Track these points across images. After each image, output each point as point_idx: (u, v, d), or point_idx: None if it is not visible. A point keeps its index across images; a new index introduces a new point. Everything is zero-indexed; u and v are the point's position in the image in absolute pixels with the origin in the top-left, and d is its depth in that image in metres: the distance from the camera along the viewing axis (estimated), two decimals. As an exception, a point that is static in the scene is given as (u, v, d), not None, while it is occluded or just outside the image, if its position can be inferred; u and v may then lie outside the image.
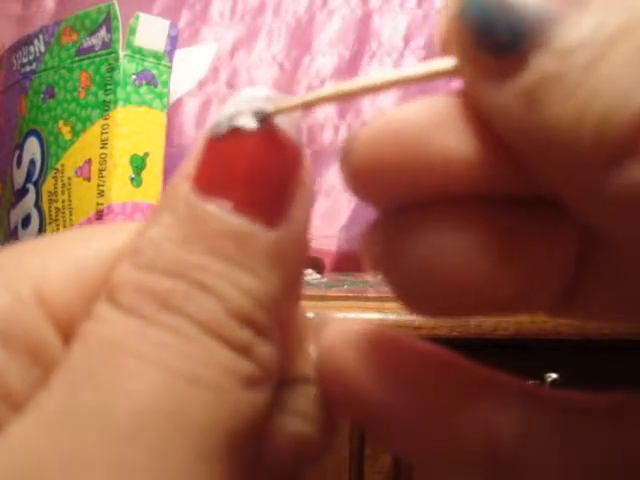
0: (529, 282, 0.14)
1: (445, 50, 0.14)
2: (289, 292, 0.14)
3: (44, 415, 0.12)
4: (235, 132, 0.14)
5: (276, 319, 0.14)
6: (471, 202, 0.13)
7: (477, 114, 0.13)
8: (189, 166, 0.14)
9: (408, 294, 0.14)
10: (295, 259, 0.14)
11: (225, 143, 0.14)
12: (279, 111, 0.14)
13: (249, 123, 0.14)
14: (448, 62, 0.14)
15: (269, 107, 0.14)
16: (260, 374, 0.13)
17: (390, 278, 0.14)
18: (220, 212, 0.13)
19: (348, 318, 0.17)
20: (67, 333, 0.13)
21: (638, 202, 0.11)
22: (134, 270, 0.13)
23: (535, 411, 0.15)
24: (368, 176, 0.14)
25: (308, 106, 0.14)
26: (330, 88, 0.14)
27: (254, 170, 0.13)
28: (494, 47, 0.12)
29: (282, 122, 0.14)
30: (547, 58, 0.11)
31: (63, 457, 0.12)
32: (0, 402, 0.13)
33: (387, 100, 0.94)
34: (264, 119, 0.14)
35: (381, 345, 0.16)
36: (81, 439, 0.12)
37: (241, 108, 0.14)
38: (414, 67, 0.14)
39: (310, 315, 0.16)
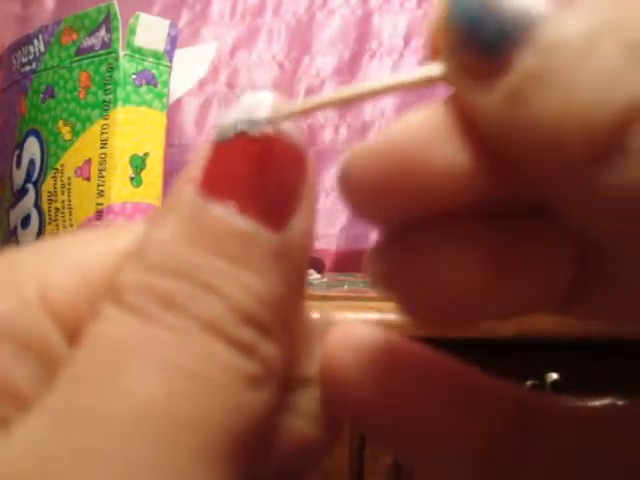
0: (531, 292, 0.14)
1: (435, 55, 0.14)
2: (294, 292, 0.14)
3: (50, 414, 0.12)
4: (240, 136, 0.14)
5: (281, 319, 0.14)
6: (470, 218, 0.13)
7: (469, 122, 0.13)
8: (194, 169, 0.14)
9: (414, 310, 0.15)
10: (300, 260, 0.14)
11: (230, 147, 0.14)
12: (280, 117, 0.14)
13: (254, 127, 0.14)
14: (440, 68, 0.14)
15: (272, 113, 0.14)
16: (263, 373, 0.13)
17: (396, 296, 0.14)
18: (225, 214, 0.13)
19: (352, 321, 0.17)
20: (72, 334, 0.14)
21: (627, 200, 0.11)
22: (139, 271, 0.13)
23: (534, 417, 0.15)
24: (366, 195, 0.14)
25: (306, 112, 0.15)
26: (328, 95, 0.15)
27: (259, 174, 0.14)
28: (479, 47, 0.12)
29: (287, 125, 0.14)
30: (532, 56, 0.11)
31: (71, 454, 0.12)
32: (7, 402, 0.13)
33: (388, 102, 0.94)
34: (269, 123, 0.14)
35: (384, 349, 0.16)
36: (87, 437, 0.12)
37: (246, 112, 0.14)
38: (407, 73, 0.14)
39: (314, 316, 0.17)
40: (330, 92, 0.15)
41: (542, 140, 0.11)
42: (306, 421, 0.15)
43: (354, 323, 0.16)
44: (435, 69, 0.14)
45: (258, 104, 0.14)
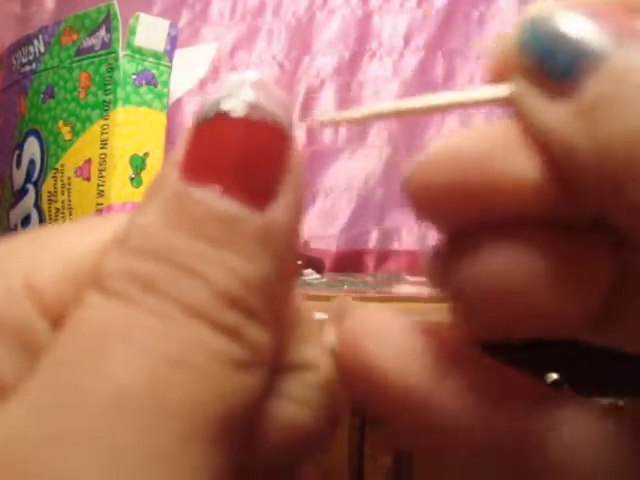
0: (578, 299, 0.14)
1: (498, 76, 0.14)
2: (281, 275, 0.14)
3: (31, 399, 0.12)
4: (222, 116, 0.14)
5: (268, 302, 0.13)
6: (531, 226, 0.14)
7: (535, 139, 0.14)
8: (177, 153, 0.14)
9: (469, 313, 0.15)
10: (286, 242, 0.14)
11: (212, 128, 0.14)
12: (337, 122, 0.14)
13: (235, 107, 0.14)
14: (505, 89, 0.14)
15: (256, 91, 0.14)
16: (251, 357, 0.13)
17: (452, 298, 0.15)
18: (208, 197, 0.13)
19: (370, 306, 0.16)
20: (57, 323, 0.13)
21: None
22: (120, 255, 0.13)
23: (571, 415, 0.15)
24: (432, 202, 0.14)
25: (364, 121, 0.14)
26: (389, 105, 0.15)
27: (241, 154, 0.13)
28: (553, 73, 0.13)
29: (269, 104, 0.14)
30: (602, 82, 0.12)
31: (53, 440, 0.12)
32: None
33: (387, 100, 0.94)
34: (251, 103, 0.14)
35: (410, 333, 0.16)
36: (69, 422, 0.12)
37: (228, 92, 0.14)
38: (472, 91, 0.15)
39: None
40: (390, 102, 0.14)
41: (610, 158, 0.12)
42: (300, 407, 0.15)
43: (372, 307, 0.16)
44: (501, 90, 0.14)
45: (241, 84, 0.14)
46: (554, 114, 0.13)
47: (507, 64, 0.14)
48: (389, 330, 0.16)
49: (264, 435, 0.14)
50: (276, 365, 0.14)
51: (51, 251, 0.14)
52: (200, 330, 0.13)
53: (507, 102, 0.14)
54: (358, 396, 0.15)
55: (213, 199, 0.13)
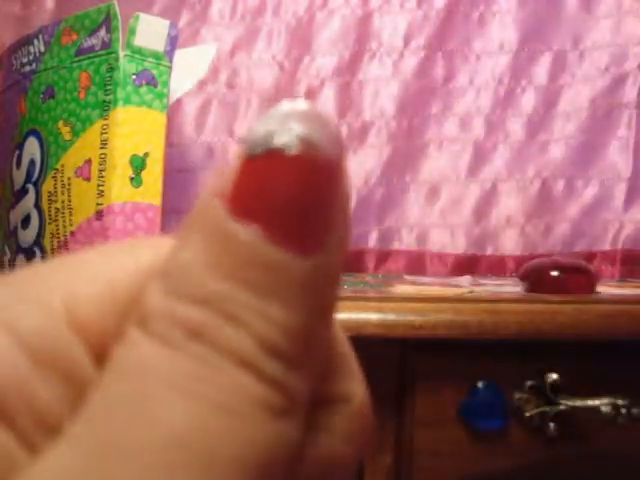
0: None
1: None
2: (323, 322, 0.14)
3: (80, 443, 0.12)
4: (272, 152, 0.13)
5: (310, 350, 0.13)
6: None
7: None
8: (222, 184, 0.13)
9: None
10: (330, 285, 0.14)
11: (262, 163, 0.13)
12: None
13: (289, 144, 0.13)
14: None
15: (309, 125, 0.13)
16: (291, 406, 0.13)
17: None
18: (252, 240, 0.13)
19: None
20: (98, 352, 0.14)
21: None
22: (164, 296, 0.13)
23: None
24: None
25: None
26: None
27: (291, 195, 0.13)
28: None
29: (322, 139, 0.13)
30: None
31: None
32: (35, 425, 0.13)
33: (388, 102, 0.94)
34: (304, 139, 0.13)
35: None
36: (119, 468, 0.12)
37: (279, 125, 0.13)
38: None
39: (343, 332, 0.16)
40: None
41: None
42: (336, 440, 0.15)
43: None
44: None
45: (292, 115, 0.13)
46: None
47: None
48: None
49: (305, 469, 0.14)
50: (314, 399, 0.14)
51: (89, 277, 0.14)
52: (243, 378, 0.13)
53: None
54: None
55: (259, 242, 0.13)
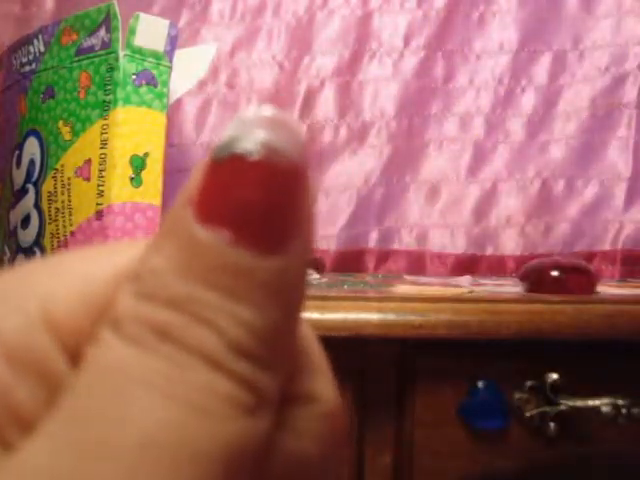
0: None
1: None
2: (290, 320, 0.14)
3: (53, 441, 0.12)
4: (236, 158, 0.13)
5: (277, 348, 0.14)
6: None
7: None
8: (190, 190, 0.14)
9: None
10: (296, 286, 0.14)
11: (226, 169, 0.13)
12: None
13: (250, 149, 0.13)
14: None
15: (272, 131, 0.13)
16: (261, 403, 0.13)
17: None
18: (217, 243, 0.13)
19: None
20: (73, 352, 0.14)
21: None
22: (135, 299, 0.13)
23: None
24: None
25: None
26: None
27: (255, 198, 0.13)
28: None
29: (284, 145, 0.13)
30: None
31: None
32: (10, 423, 0.13)
33: (388, 102, 0.94)
34: (266, 144, 0.13)
35: None
36: (92, 466, 0.12)
37: (243, 131, 0.13)
38: None
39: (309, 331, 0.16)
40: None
41: None
42: (304, 440, 0.15)
43: None
44: None
45: (255, 122, 0.13)
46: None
47: None
48: None
49: (271, 468, 0.15)
50: (283, 397, 0.15)
51: (66, 280, 0.15)
52: (213, 377, 0.13)
53: None
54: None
55: (225, 246, 0.13)
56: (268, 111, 0.14)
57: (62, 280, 0.14)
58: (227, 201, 0.13)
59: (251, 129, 0.13)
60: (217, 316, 0.13)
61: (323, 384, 0.16)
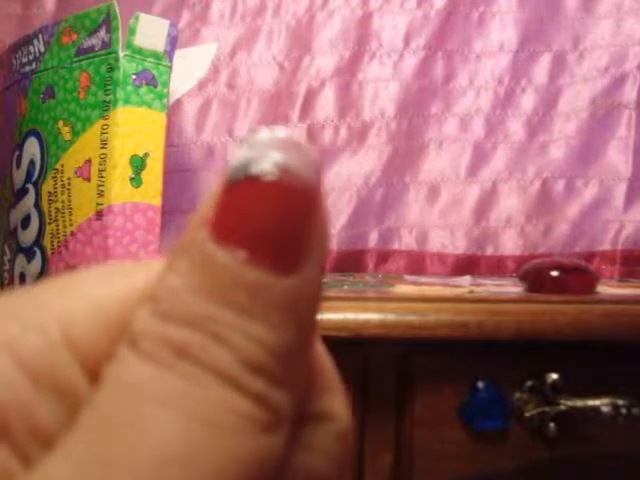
0: None
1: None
2: (304, 338, 0.14)
3: (72, 456, 0.13)
4: (251, 179, 0.14)
5: (292, 366, 0.14)
6: None
7: None
8: (205, 211, 0.14)
9: None
10: (311, 307, 0.14)
11: (241, 190, 0.14)
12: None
13: (266, 171, 0.14)
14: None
15: (287, 152, 0.14)
16: (275, 420, 0.14)
17: None
18: (233, 263, 0.13)
19: None
20: (92, 371, 0.14)
21: None
22: (153, 318, 0.14)
23: None
24: None
25: None
26: None
27: (270, 219, 0.14)
28: None
29: (299, 166, 0.14)
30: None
31: None
32: (31, 440, 0.13)
33: (388, 102, 0.94)
34: (281, 166, 0.14)
35: None
36: None
37: (258, 153, 0.14)
38: None
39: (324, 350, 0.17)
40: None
41: None
42: (317, 457, 0.15)
43: None
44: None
45: (270, 143, 0.14)
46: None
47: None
48: None
49: None
50: (299, 415, 0.15)
51: (83, 300, 0.15)
52: (229, 394, 0.13)
53: None
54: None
55: (240, 265, 0.13)
56: (282, 133, 0.14)
57: (79, 300, 0.15)
58: (243, 221, 0.14)
59: (266, 150, 0.14)
60: (232, 334, 0.13)
61: (337, 403, 0.16)
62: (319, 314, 0.15)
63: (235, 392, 0.13)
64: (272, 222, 0.14)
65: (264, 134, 0.14)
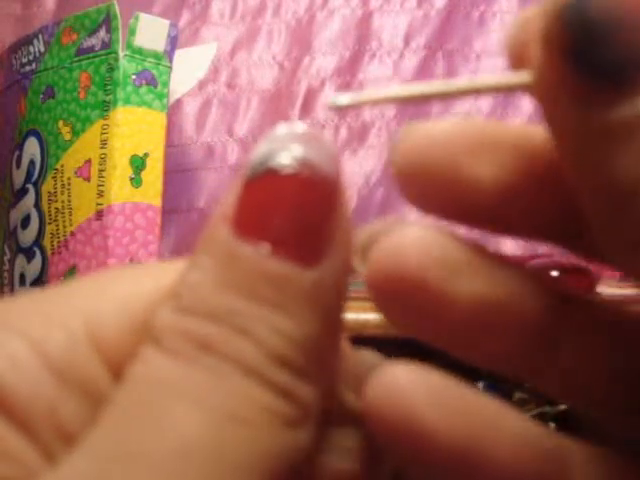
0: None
1: (518, 60, 0.14)
2: (330, 331, 0.14)
3: (96, 452, 0.13)
4: (272, 172, 0.14)
5: (317, 360, 0.14)
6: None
7: (515, 139, 0.14)
8: (227, 207, 0.14)
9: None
10: (335, 300, 0.14)
11: (262, 185, 0.14)
12: (349, 105, 0.14)
13: (286, 164, 0.14)
14: (525, 76, 0.13)
15: (306, 146, 0.14)
16: (300, 415, 0.14)
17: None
18: (258, 256, 0.13)
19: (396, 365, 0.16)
20: (116, 370, 0.14)
21: None
22: (174, 314, 0.14)
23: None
24: (409, 183, 0.15)
25: (375, 103, 0.14)
26: (400, 89, 0.14)
27: (292, 212, 0.14)
28: (594, 72, 0.11)
29: (319, 159, 0.14)
30: None
31: None
32: (55, 437, 0.14)
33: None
34: (301, 159, 0.14)
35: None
36: (133, 476, 0.12)
37: (278, 147, 0.14)
38: (488, 76, 0.15)
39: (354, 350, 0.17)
40: (411, 85, 0.14)
41: (617, 189, 0.11)
42: (344, 458, 0.15)
43: (400, 367, 0.16)
44: (521, 76, 0.14)
45: (290, 137, 0.14)
46: (578, 119, 0.11)
47: (530, 47, 0.13)
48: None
49: None
50: (324, 415, 0.15)
51: (109, 300, 0.15)
52: (253, 388, 0.13)
53: (528, 89, 0.14)
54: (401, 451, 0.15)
55: (264, 258, 0.13)
56: (300, 127, 0.14)
57: (105, 300, 0.15)
58: (265, 215, 0.14)
59: (285, 145, 0.14)
60: (256, 326, 0.13)
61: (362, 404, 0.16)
62: (345, 307, 0.15)
63: (260, 385, 0.13)
64: (293, 215, 0.14)
65: (283, 129, 0.14)
